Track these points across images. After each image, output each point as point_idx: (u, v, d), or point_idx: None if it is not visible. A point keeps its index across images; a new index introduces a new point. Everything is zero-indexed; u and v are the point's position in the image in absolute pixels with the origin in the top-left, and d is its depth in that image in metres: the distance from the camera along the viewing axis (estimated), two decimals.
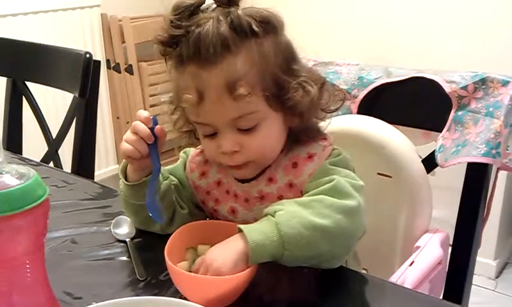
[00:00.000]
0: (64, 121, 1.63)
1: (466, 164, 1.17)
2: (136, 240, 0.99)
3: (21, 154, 1.62)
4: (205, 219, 1.01)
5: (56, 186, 1.23)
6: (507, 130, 1.14)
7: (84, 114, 1.54)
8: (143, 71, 3.03)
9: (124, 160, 0.95)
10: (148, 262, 0.92)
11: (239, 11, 0.84)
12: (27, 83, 1.72)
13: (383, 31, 2.55)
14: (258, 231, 0.80)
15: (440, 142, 1.20)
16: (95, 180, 1.36)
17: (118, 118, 3.16)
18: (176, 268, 0.79)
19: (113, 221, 1.03)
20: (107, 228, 1.03)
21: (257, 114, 0.86)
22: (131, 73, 3.03)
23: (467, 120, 1.18)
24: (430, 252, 1.15)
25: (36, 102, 1.70)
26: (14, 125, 1.75)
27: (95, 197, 1.18)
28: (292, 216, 0.80)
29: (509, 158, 1.18)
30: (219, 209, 0.98)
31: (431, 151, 1.23)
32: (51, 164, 1.63)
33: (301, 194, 0.90)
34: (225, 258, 0.78)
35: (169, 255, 0.80)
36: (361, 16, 2.62)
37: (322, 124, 0.96)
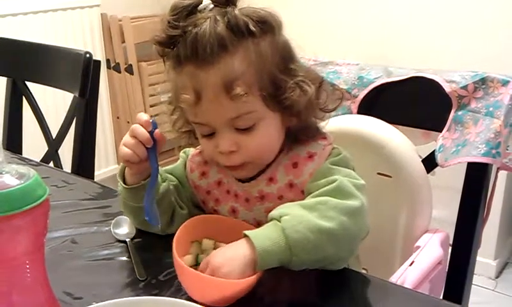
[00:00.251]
0: (64, 121, 1.63)
1: (466, 163, 1.17)
2: (135, 240, 0.99)
3: (21, 154, 1.62)
4: None
5: (55, 186, 1.23)
6: (507, 130, 1.14)
7: (84, 114, 1.54)
8: (143, 71, 3.03)
9: (122, 163, 0.95)
10: (148, 262, 0.92)
11: (236, 11, 0.84)
12: (27, 83, 1.72)
13: (383, 31, 2.55)
14: (265, 237, 0.80)
15: (440, 142, 1.20)
16: (95, 179, 1.36)
17: (118, 117, 3.16)
18: (182, 263, 0.79)
19: (113, 221, 1.03)
20: (107, 228, 1.03)
21: (254, 114, 0.86)
22: (131, 73, 3.03)
23: (467, 120, 1.18)
24: (430, 252, 1.15)
25: (36, 102, 1.70)
26: (14, 124, 1.75)
27: (95, 197, 1.18)
28: (298, 221, 0.80)
29: (509, 158, 1.18)
30: (219, 209, 0.98)
31: (431, 151, 1.23)
32: (51, 164, 1.63)
33: (302, 193, 0.90)
34: (233, 265, 0.78)
35: (176, 248, 0.80)
36: (361, 15, 2.62)
37: (321, 124, 0.96)
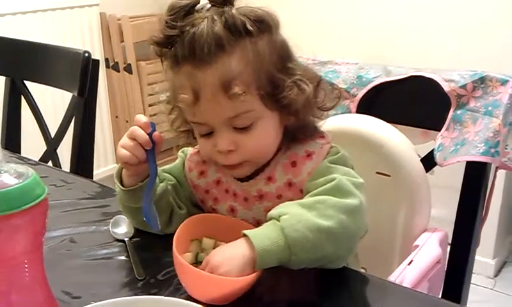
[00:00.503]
0: (63, 120, 1.62)
1: (465, 162, 1.17)
2: (134, 239, 0.99)
3: (20, 153, 1.62)
4: None
5: (54, 185, 1.23)
6: (506, 129, 1.14)
7: (82, 113, 1.54)
8: (142, 70, 3.03)
9: (119, 164, 0.95)
10: (146, 262, 0.92)
11: (234, 11, 0.84)
12: (26, 82, 1.71)
13: (382, 30, 2.55)
14: (264, 236, 0.80)
15: (439, 141, 1.21)
16: (94, 179, 1.36)
17: (116, 117, 3.16)
18: (183, 261, 0.79)
19: (111, 221, 1.03)
20: (105, 227, 1.03)
21: (253, 113, 0.86)
22: (130, 72, 3.03)
23: (466, 119, 1.18)
24: (429, 251, 1.15)
25: (34, 101, 1.70)
26: (13, 124, 1.75)
27: (94, 196, 1.18)
28: (297, 220, 0.80)
29: (507, 157, 1.18)
30: (218, 208, 0.98)
31: (429, 150, 1.23)
32: (50, 163, 1.63)
33: (300, 192, 0.90)
34: (232, 264, 0.78)
35: (176, 246, 0.80)
36: (359, 15, 2.62)
37: (319, 123, 0.96)
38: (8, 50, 1.75)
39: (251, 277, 0.78)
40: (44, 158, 1.65)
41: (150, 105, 3.07)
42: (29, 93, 1.71)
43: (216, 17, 0.83)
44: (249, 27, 0.84)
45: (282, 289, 0.86)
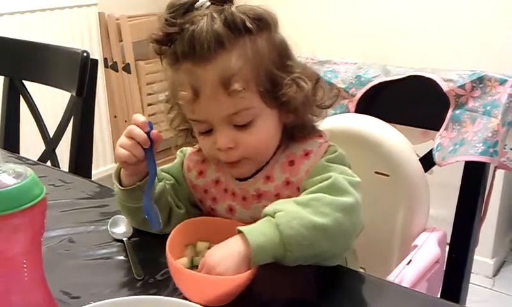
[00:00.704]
0: (61, 120, 1.62)
1: (463, 162, 1.17)
2: (133, 239, 0.99)
3: (18, 153, 1.61)
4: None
5: (53, 185, 1.22)
6: (505, 129, 1.15)
7: (81, 113, 1.54)
8: (141, 70, 3.03)
9: (117, 164, 0.95)
10: (145, 261, 0.92)
11: (233, 8, 0.85)
12: (25, 82, 1.71)
13: (381, 30, 2.55)
14: (259, 232, 0.80)
15: (438, 140, 1.21)
16: (93, 179, 1.36)
17: (115, 116, 3.16)
18: (177, 265, 0.79)
19: (110, 220, 1.03)
20: (104, 227, 1.03)
21: (252, 110, 0.87)
22: (129, 71, 3.02)
23: (465, 119, 1.18)
24: (427, 250, 1.15)
25: (33, 101, 1.70)
26: (11, 123, 1.75)
27: (92, 196, 1.18)
28: (292, 217, 0.80)
29: (506, 157, 1.18)
30: (216, 208, 0.98)
31: (428, 150, 1.23)
32: (48, 163, 1.63)
33: (298, 191, 0.90)
34: (228, 263, 0.78)
35: (170, 251, 0.80)
36: (359, 14, 2.62)
37: (317, 122, 0.96)
38: (7, 50, 1.75)
39: (245, 275, 0.78)
40: (43, 158, 1.64)
41: (148, 105, 3.06)
42: (28, 92, 1.71)
43: (215, 15, 0.83)
44: (249, 25, 0.84)
45: (280, 289, 0.86)
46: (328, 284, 0.86)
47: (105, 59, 3.05)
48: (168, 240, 0.82)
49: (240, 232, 0.81)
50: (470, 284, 1.23)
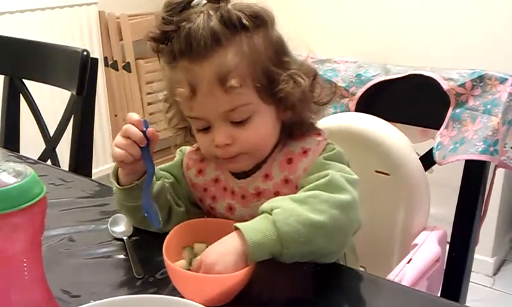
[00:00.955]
0: (61, 119, 1.62)
1: (464, 161, 1.17)
2: (133, 238, 0.99)
3: (18, 152, 1.61)
4: (202, 217, 1.01)
5: (53, 184, 1.22)
6: (505, 128, 1.15)
7: (81, 112, 1.54)
8: (141, 68, 3.03)
9: (115, 164, 0.95)
10: (145, 260, 0.92)
11: (229, 6, 0.85)
12: (25, 81, 1.71)
13: (381, 29, 2.55)
14: (256, 230, 0.80)
15: (438, 139, 1.21)
16: (93, 177, 1.36)
17: (115, 115, 3.16)
18: (175, 267, 0.79)
19: (110, 219, 1.03)
20: (104, 226, 1.03)
21: (249, 106, 0.87)
22: (129, 70, 3.02)
23: (465, 118, 1.18)
24: (428, 249, 1.15)
25: (33, 100, 1.70)
26: (11, 122, 1.75)
27: (93, 195, 1.18)
28: (289, 214, 0.80)
29: (506, 156, 1.18)
30: (216, 206, 0.98)
31: (428, 149, 1.23)
32: (48, 162, 1.63)
33: (297, 189, 0.90)
34: (226, 260, 0.78)
35: (167, 254, 0.80)
36: (359, 13, 2.62)
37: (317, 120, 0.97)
38: (7, 49, 1.75)
39: (243, 273, 0.77)
40: (43, 157, 1.64)
41: (148, 104, 3.06)
42: (28, 91, 1.71)
43: (211, 12, 0.84)
44: (245, 22, 0.85)
45: (278, 287, 0.86)
46: (327, 282, 0.86)
47: (106, 58, 3.05)
48: (165, 243, 0.82)
49: (237, 229, 0.81)
50: (470, 283, 1.23)
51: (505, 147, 1.17)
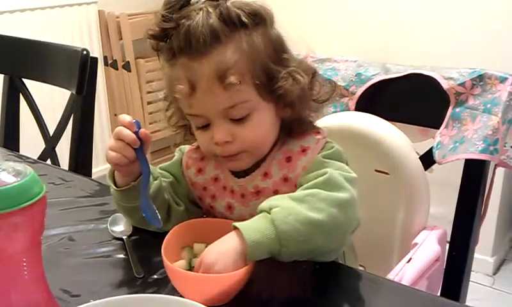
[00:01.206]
0: (61, 118, 1.62)
1: (463, 160, 1.17)
2: (132, 237, 0.99)
3: (18, 151, 1.61)
4: (202, 216, 1.01)
5: (53, 183, 1.22)
6: (505, 127, 1.14)
7: (81, 111, 1.54)
8: (141, 68, 3.03)
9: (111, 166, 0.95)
10: (145, 260, 0.92)
11: (228, 4, 0.86)
12: (25, 80, 1.71)
13: (381, 28, 2.55)
14: (255, 229, 0.80)
15: (438, 139, 1.21)
16: (92, 177, 1.36)
17: (115, 115, 3.15)
18: (174, 268, 0.79)
19: (110, 219, 1.03)
20: (104, 226, 1.03)
21: (248, 104, 0.87)
22: (129, 70, 3.02)
23: (465, 117, 1.18)
24: (427, 249, 1.15)
25: (33, 99, 1.70)
26: (11, 122, 1.75)
27: (92, 194, 1.18)
28: (288, 212, 0.80)
29: (506, 155, 1.18)
30: (215, 205, 0.98)
31: (428, 148, 1.23)
32: (48, 162, 1.63)
33: (296, 187, 0.90)
34: (226, 259, 0.78)
35: (166, 254, 0.80)
36: (359, 12, 2.62)
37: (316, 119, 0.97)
38: (7, 48, 1.75)
39: (242, 272, 0.77)
40: (42, 157, 1.64)
41: (148, 103, 3.06)
42: (28, 91, 1.71)
43: (210, 10, 0.85)
44: (244, 20, 0.85)
45: (277, 286, 0.86)
46: (327, 282, 0.86)
47: (105, 57, 3.04)
48: (163, 243, 0.82)
49: (235, 228, 0.81)
50: (470, 283, 1.23)
51: (505, 146, 1.17)
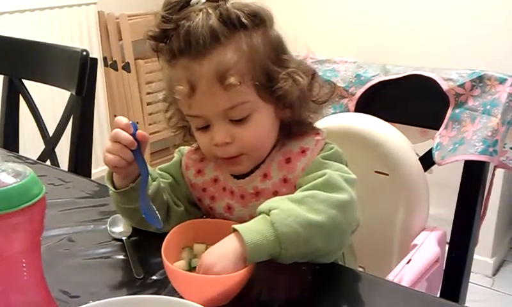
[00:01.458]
0: (61, 119, 1.62)
1: (463, 161, 1.17)
2: (132, 238, 0.99)
3: (17, 152, 1.61)
4: (202, 217, 1.01)
5: (52, 184, 1.22)
6: (504, 128, 1.15)
7: (80, 112, 1.54)
8: (140, 68, 3.03)
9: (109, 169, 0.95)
10: (144, 261, 0.92)
11: (228, 5, 0.86)
12: (24, 81, 1.71)
13: (381, 29, 2.55)
14: (255, 231, 0.80)
15: (437, 140, 1.21)
16: (92, 178, 1.36)
17: (115, 115, 3.15)
18: (174, 268, 0.79)
19: (109, 220, 1.03)
20: (103, 226, 1.03)
21: (248, 105, 0.87)
22: (128, 70, 3.02)
23: (464, 118, 1.18)
24: (427, 250, 1.15)
25: (32, 100, 1.70)
26: (11, 123, 1.75)
27: (92, 195, 1.18)
28: (287, 214, 0.80)
29: (506, 156, 1.18)
30: (215, 206, 0.98)
31: (428, 149, 1.23)
32: (48, 162, 1.63)
33: (295, 188, 0.90)
34: (225, 261, 0.77)
35: (166, 255, 0.80)
36: (358, 13, 2.62)
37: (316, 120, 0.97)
38: (6, 49, 1.75)
39: (242, 273, 0.77)
40: (42, 157, 1.64)
41: (148, 104, 3.06)
42: (27, 91, 1.71)
43: (210, 11, 0.85)
44: (244, 21, 0.86)
45: (277, 288, 0.86)
46: (327, 283, 0.86)
47: (105, 58, 3.05)
48: (163, 244, 0.82)
49: (235, 230, 0.81)
50: (469, 284, 1.23)
51: (504, 147, 1.17)
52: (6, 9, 2.54)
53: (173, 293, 0.81)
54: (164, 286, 0.84)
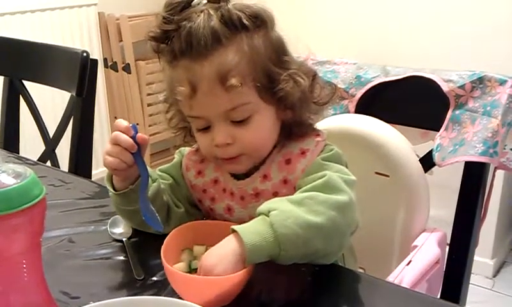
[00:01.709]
0: (61, 120, 1.62)
1: (463, 163, 1.17)
2: (132, 239, 0.99)
3: (18, 153, 1.62)
4: (201, 218, 1.01)
5: (52, 185, 1.22)
6: (505, 129, 1.15)
7: (81, 113, 1.54)
8: (141, 70, 3.03)
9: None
10: (145, 262, 0.92)
11: (229, 6, 0.86)
12: (25, 82, 1.71)
13: (381, 30, 2.55)
14: (254, 232, 0.80)
15: (438, 141, 1.21)
16: (92, 179, 1.36)
17: (115, 117, 3.16)
18: (174, 270, 0.79)
19: (110, 221, 1.03)
20: (104, 227, 1.03)
21: (249, 106, 0.87)
22: (128, 72, 3.03)
23: (465, 119, 1.18)
24: (427, 251, 1.15)
25: (33, 101, 1.70)
26: (11, 124, 1.75)
27: (92, 196, 1.18)
28: (286, 216, 0.80)
29: (506, 157, 1.18)
30: (215, 207, 0.98)
31: (428, 151, 1.23)
32: (48, 163, 1.63)
33: (295, 189, 0.90)
34: (225, 263, 0.77)
35: (165, 256, 0.80)
36: (359, 14, 2.62)
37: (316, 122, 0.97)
38: (7, 50, 1.75)
39: (241, 274, 0.77)
40: (42, 158, 1.64)
41: (148, 105, 3.06)
42: (28, 92, 1.71)
43: (212, 12, 0.85)
44: (245, 22, 0.86)
45: (277, 289, 0.86)
46: (325, 283, 0.86)
47: (105, 59, 3.05)
48: (163, 245, 0.82)
49: (234, 231, 0.81)
50: (470, 285, 1.23)
51: (504, 149, 1.17)
52: (7, 10, 2.54)
53: (173, 294, 0.81)
54: (164, 287, 0.84)
